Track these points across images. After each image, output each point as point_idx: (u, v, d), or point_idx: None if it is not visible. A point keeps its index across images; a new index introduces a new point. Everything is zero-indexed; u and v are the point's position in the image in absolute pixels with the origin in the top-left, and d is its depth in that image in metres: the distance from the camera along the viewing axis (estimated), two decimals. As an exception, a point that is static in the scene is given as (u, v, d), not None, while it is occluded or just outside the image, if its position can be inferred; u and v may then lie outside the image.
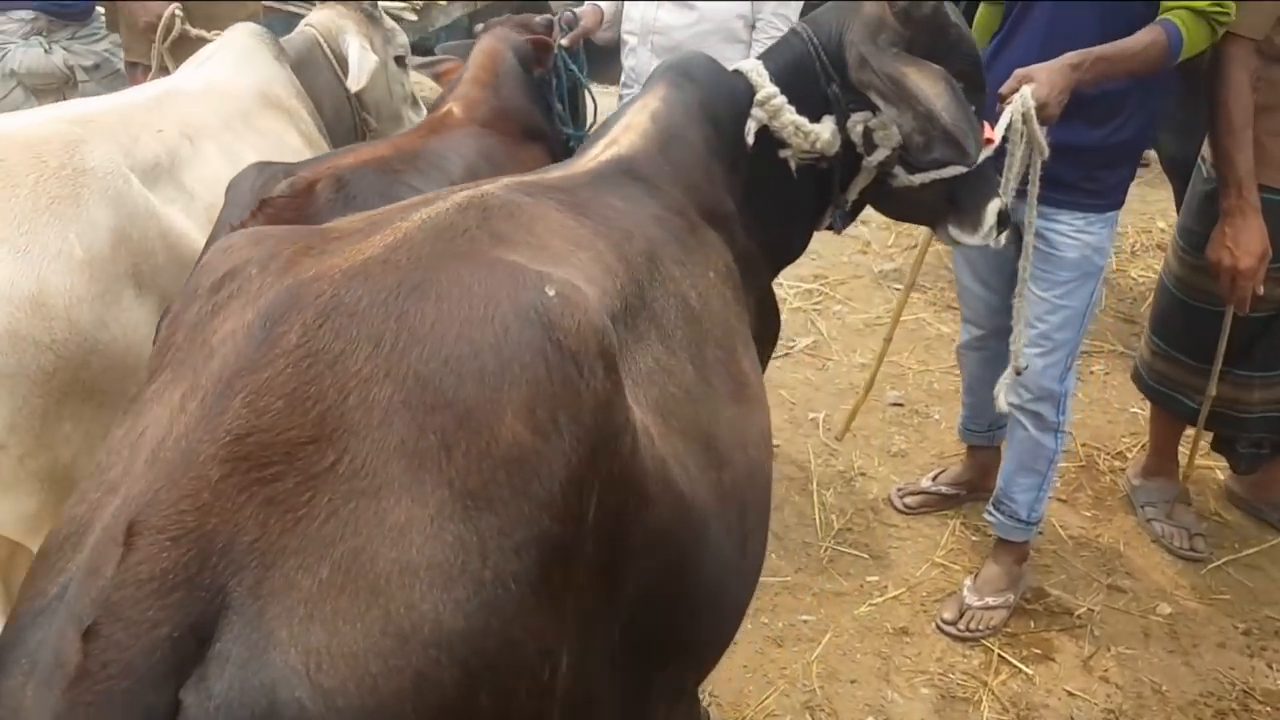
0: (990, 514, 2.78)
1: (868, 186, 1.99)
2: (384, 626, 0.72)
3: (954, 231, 2.03)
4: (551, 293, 0.93)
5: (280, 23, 3.68)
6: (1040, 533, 2.93)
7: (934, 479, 3.20)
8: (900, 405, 3.71)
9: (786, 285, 4.49)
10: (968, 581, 2.78)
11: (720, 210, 1.67)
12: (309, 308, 0.86)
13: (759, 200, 1.85)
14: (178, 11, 3.03)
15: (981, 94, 1.93)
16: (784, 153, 1.87)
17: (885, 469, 3.36)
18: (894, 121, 1.79)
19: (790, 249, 2.07)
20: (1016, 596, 2.75)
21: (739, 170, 1.80)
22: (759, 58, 1.93)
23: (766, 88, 1.82)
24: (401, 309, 0.86)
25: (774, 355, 3.91)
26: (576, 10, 2.87)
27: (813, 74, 1.86)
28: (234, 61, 2.55)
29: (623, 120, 1.73)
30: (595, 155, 1.62)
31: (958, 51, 1.89)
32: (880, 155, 1.89)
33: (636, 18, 2.96)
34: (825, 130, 1.85)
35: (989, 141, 1.93)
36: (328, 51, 2.80)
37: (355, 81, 2.70)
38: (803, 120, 1.83)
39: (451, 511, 0.78)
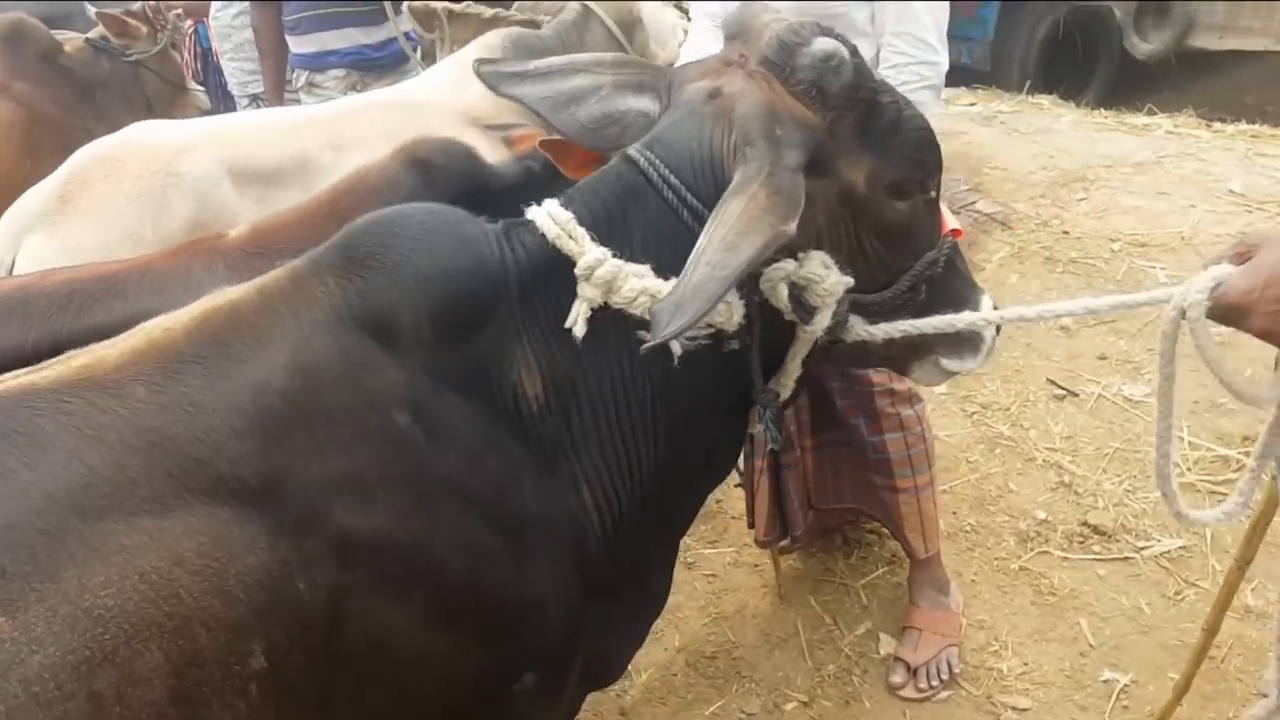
0: None
1: (811, 355, 1.43)
2: None
3: (948, 364, 1.56)
4: None
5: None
6: None
7: None
8: None
9: (1188, 439, 3.09)
10: None
11: (306, 476, 1.15)
12: None
13: (591, 419, 1.33)
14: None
15: (938, 174, 1.47)
16: (645, 334, 1.24)
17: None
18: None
19: (691, 482, 1.49)
20: None
21: (494, 384, 1.28)
22: (566, 199, 1.36)
23: (589, 251, 1.28)
24: None
25: (1107, 557, 2.76)
26: None
27: (666, 217, 1.31)
28: (455, 76, 2.68)
29: (160, 320, 1.21)
30: (40, 372, 1.14)
31: (902, 133, 1.38)
32: (823, 319, 1.34)
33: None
34: None
35: (956, 234, 1.54)
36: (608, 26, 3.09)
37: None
38: (660, 284, 1.26)
39: None
